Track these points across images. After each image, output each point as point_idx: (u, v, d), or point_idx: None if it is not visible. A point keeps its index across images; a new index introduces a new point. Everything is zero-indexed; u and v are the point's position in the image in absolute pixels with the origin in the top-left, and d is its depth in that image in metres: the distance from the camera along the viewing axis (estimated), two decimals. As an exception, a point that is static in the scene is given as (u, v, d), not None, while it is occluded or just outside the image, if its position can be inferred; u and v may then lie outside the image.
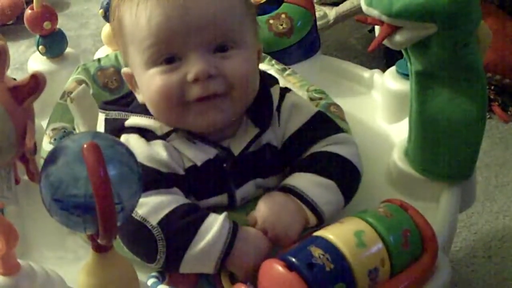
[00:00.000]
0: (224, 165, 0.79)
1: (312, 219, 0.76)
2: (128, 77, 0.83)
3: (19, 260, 0.66)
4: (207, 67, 0.74)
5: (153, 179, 0.74)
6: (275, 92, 0.84)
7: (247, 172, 0.80)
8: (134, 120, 0.81)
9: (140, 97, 0.82)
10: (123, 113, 0.82)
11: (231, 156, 0.79)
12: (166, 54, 0.76)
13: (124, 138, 0.79)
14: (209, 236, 0.71)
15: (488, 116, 1.65)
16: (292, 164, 0.82)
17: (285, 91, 0.86)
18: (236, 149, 0.80)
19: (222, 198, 0.79)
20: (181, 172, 0.78)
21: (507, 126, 1.64)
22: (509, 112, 1.66)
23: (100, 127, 0.84)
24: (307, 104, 0.89)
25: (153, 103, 0.78)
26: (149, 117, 0.80)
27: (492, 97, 1.67)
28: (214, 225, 0.72)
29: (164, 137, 0.79)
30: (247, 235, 0.72)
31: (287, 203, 0.76)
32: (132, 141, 0.78)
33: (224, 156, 0.79)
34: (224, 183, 0.79)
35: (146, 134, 0.79)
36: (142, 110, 0.81)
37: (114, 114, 0.83)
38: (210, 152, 0.79)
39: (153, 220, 0.71)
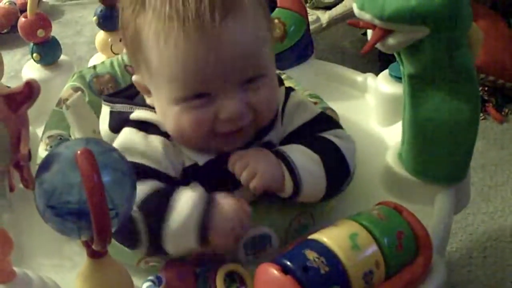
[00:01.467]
0: (225, 166, 0.78)
1: (289, 184, 0.75)
2: (141, 86, 0.81)
3: (14, 268, 0.66)
4: (240, 108, 0.74)
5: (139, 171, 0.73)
6: (280, 93, 0.84)
7: None
8: (139, 113, 0.81)
9: (149, 101, 0.81)
10: (128, 106, 0.82)
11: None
12: (196, 92, 0.74)
13: (124, 131, 0.80)
14: (181, 207, 0.70)
15: (483, 117, 1.65)
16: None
17: (289, 90, 0.87)
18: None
19: None
20: (172, 173, 0.77)
21: (501, 126, 1.65)
22: (503, 113, 1.67)
23: (104, 120, 0.84)
24: (310, 104, 0.89)
25: (180, 133, 0.77)
26: (154, 111, 0.80)
27: (486, 98, 1.68)
28: (185, 196, 0.71)
29: (167, 133, 0.78)
30: (223, 203, 0.72)
31: (270, 155, 0.77)
32: (129, 134, 0.79)
33: (225, 157, 0.78)
34: (223, 183, 0.78)
35: (149, 128, 0.79)
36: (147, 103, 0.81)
37: (119, 107, 0.83)
38: (210, 153, 0.79)
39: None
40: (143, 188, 0.72)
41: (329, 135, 0.82)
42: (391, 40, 0.78)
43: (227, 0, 0.72)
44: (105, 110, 0.84)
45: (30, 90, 0.61)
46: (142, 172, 0.74)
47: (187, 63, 0.71)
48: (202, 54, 0.71)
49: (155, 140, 0.78)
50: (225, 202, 0.72)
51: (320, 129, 0.82)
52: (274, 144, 0.82)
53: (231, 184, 0.79)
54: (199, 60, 0.71)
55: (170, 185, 0.75)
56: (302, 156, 0.77)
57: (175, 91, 0.74)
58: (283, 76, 1.04)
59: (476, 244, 1.32)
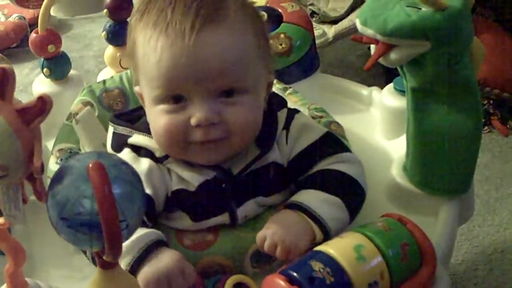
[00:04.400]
0: (223, 185, 0.80)
1: (319, 235, 0.77)
2: (140, 96, 0.85)
3: (26, 279, 0.68)
4: (210, 114, 0.75)
5: None
6: (281, 115, 0.86)
7: (247, 191, 0.82)
8: (136, 138, 0.84)
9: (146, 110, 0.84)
10: (128, 129, 0.85)
11: (230, 176, 0.81)
12: (173, 94, 0.77)
13: (123, 151, 0.84)
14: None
15: (488, 130, 1.66)
16: (297, 181, 0.83)
17: (294, 112, 0.88)
18: (236, 169, 0.81)
19: (224, 218, 0.81)
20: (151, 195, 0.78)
21: (506, 139, 1.65)
22: (508, 126, 1.68)
23: (109, 139, 0.88)
24: (316, 125, 0.90)
25: (157, 137, 0.80)
26: (151, 137, 0.82)
27: (491, 111, 1.68)
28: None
29: (162, 159, 0.81)
30: (164, 253, 0.72)
31: (295, 218, 0.77)
32: (125, 154, 0.83)
33: (223, 177, 0.80)
34: (224, 202, 0.80)
35: (142, 152, 0.82)
36: (147, 128, 0.83)
37: (121, 130, 0.86)
38: (208, 174, 0.80)
39: None
40: None
41: (336, 163, 0.82)
42: (393, 55, 0.79)
43: (211, 12, 0.75)
44: (110, 130, 0.88)
45: (43, 104, 0.63)
46: None
47: (162, 62, 0.75)
48: (177, 56, 0.74)
49: (143, 163, 0.81)
50: (168, 253, 0.72)
51: (327, 151, 0.83)
52: (280, 163, 0.83)
53: (232, 202, 0.80)
54: (173, 61, 0.74)
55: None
56: (324, 205, 0.78)
57: (154, 89, 0.77)
58: (288, 91, 1.06)
59: (482, 256, 1.32)
